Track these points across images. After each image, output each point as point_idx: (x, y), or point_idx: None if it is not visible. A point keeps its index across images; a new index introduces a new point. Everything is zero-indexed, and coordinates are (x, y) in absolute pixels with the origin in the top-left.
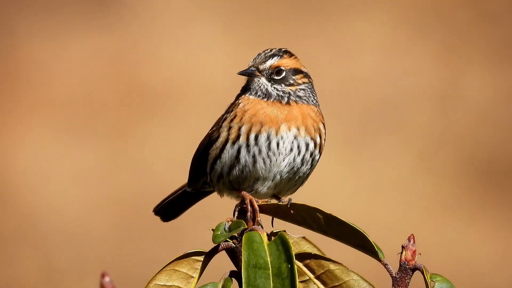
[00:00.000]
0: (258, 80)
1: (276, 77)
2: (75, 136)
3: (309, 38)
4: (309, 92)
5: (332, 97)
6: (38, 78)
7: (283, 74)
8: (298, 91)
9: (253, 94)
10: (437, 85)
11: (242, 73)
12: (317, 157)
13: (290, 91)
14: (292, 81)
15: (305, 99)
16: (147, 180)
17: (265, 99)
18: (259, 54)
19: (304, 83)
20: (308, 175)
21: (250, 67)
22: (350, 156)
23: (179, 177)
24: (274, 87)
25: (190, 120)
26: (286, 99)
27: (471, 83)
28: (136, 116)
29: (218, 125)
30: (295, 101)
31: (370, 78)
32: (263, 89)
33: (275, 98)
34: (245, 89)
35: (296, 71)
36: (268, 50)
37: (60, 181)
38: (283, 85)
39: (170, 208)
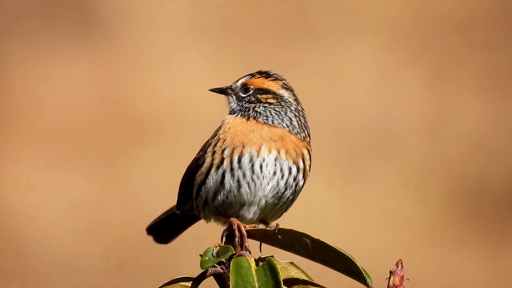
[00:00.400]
0: (229, 98)
1: (242, 95)
2: (65, 166)
3: (298, 66)
4: (279, 114)
5: (322, 125)
6: (27, 107)
7: (250, 92)
8: (258, 107)
9: (231, 113)
10: (426, 113)
11: (212, 90)
12: (300, 183)
13: (249, 106)
14: (255, 100)
15: (271, 120)
16: (138, 209)
17: (243, 118)
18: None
19: (269, 103)
20: (292, 201)
21: (228, 86)
22: (339, 184)
23: (169, 205)
24: (238, 104)
25: (180, 149)
26: (246, 113)
27: (461, 111)
28: (126, 145)
29: (203, 150)
30: (254, 117)
31: (360, 106)
32: (232, 106)
33: (238, 113)
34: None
35: (266, 91)
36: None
37: (49, 211)
38: (244, 102)
39: (162, 229)
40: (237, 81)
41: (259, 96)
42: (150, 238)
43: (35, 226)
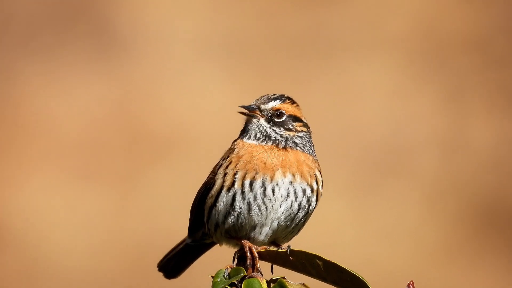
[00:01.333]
0: (258, 121)
1: (276, 120)
2: (80, 183)
3: (312, 83)
4: (306, 141)
5: (336, 142)
6: (40, 125)
7: (284, 118)
8: (295, 138)
9: (249, 137)
10: (441, 130)
11: (244, 107)
12: (313, 204)
13: (288, 135)
14: (291, 127)
15: (300, 147)
16: (153, 225)
17: (262, 143)
18: (262, 96)
19: (302, 131)
20: (303, 223)
21: (252, 105)
22: (353, 201)
23: (185, 222)
24: (273, 129)
25: (195, 165)
26: (283, 143)
27: (475, 128)
28: (142, 161)
29: (214, 172)
30: (291, 147)
31: (374, 123)
32: (262, 131)
33: (273, 142)
34: (243, 132)
35: (296, 119)
36: (271, 94)
37: (65, 228)
38: (281, 129)
39: (173, 264)
40: (264, 102)
41: (293, 123)
42: (161, 274)
43: (50, 242)
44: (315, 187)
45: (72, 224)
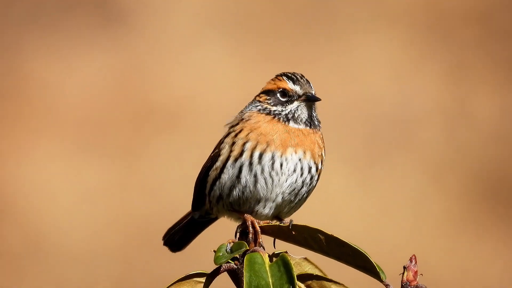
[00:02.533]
0: (313, 107)
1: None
2: (83, 156)
3: (317, 59)
4: (316, 116)
5: (341, 117)
6: (44, 97)
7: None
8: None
9: (287, 119)
10: (445, 104)
11: (316, 97)
12: (314, 182)
13: (317, 117)
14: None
15: (318, 126)
16: (156, 198)
17: (287, 122)
18: (304, 79)
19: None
20: (306, 198)
21: (313, 92)
22: (358, 176)
23: (187, 196)
24: (315, 113)
25: (198, 138)
26: (315, 124)
27: (479, 102)
28: (144, 134)
29: (219, 145)
30: (315, 127)
31: (379, 97)
32: (312, 116)
33: (310, 125)
34: (266, 110)
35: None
36: (303, 77)
37: (67, 200)
38: (314, 112)
39: (178, 237)
40: (311, 88)
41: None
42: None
43: (54, 215)
44: (319, 167)
45: (75, 198)
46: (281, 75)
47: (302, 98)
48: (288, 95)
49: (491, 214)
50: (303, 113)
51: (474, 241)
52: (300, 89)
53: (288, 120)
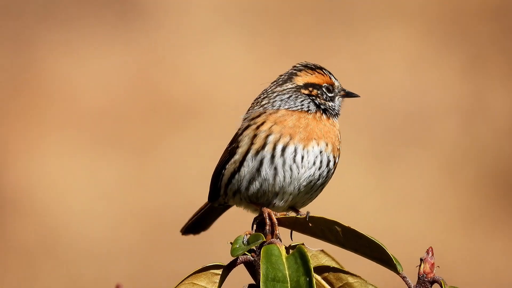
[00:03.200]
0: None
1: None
2: (100, 150)
3: (335, 52)
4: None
5: (359, 111)
6: (61, 92)
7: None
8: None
9: (335, 113)
10: (462, 98)
11: (357, 95)
12: (330, 175)
13: (339, 108)
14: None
15: (334, 114)
16: (172, 193)
17: (311, 111)
18: (328, 71)
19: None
20: (321, 189)
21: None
22: (375, 170)
23: (203, 190)
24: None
25: (214, 133)
26: (334, 115)
27: (496, 96)
28: (160, 129)
29: (236, 138)
30: (334, 119)
31: (396, 92)
32: (337, 107)
33: (332, 115)
34: (297, 103)
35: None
36: (325, 68)
37: (84, 195)
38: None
39: (199, 224)
40: (336, 79)
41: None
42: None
43: (69, 211)
44: (337, 160)
45: (91, 192)
46: (318, 67)
47: (341, 94)
48: (333, 90)
49: (506, 209)
50: (338, 107)
51: (489, 235)
52: (339, 84)
53: (333, 115)
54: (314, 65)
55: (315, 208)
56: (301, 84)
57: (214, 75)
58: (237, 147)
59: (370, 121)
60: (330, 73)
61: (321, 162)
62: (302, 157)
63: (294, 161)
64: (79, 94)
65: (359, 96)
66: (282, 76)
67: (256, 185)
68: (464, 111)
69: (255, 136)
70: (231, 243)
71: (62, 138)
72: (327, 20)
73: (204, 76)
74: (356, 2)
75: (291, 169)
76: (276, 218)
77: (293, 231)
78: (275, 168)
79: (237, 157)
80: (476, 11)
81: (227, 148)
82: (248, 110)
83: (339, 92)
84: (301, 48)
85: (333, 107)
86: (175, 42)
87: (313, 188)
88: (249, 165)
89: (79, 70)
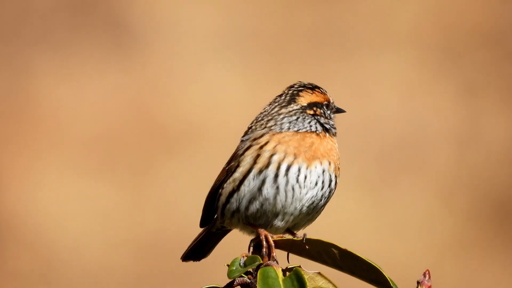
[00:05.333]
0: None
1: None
2: (95, 175)
3: (328, 77)
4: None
5: (352, 136)
6: (55, 117)
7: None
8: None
9: (334, 133)
10: (456, 124)
11: (344, 111)
12: (332, 194)
13: (329, 122)
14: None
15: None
16: (167, 218)
17: (319, 132)
18: (322, 88)
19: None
20: (321, 211)
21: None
22: (368, 195)
23: (199, 214)
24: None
25: (208, 158)
26: (333, 133)
27: (490, 122)
28: (155, 154)
29: (236, 157)
30: (333, 136)
31: (389, 118)
32: (332, 124)
33: (330, 133)
34: (291, 124)
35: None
36: (319, 86)
37: (78, 220)
38: (329, 118)
39: (199, 250)
40: (330, 97)
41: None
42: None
43: (64, 235)
44: (337, 180)
45: (87, 218)
46: (315, 86)
47: (334, 110)
48: (330, 107)
49: (501, 237)
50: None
51: (483, 262)
52: (333, 101)
53: (329, 131)
54: (310, 84)
55: (309, 230)
56: (305, 104)
57: (208, 100)
58: (238, 166)
59: (363, 147)
60: (325, 90)
61: (323, 182)
62: (305, 177)
63: (297, 181)
64: (74, 119)
65: (345, 111)
66: (283, 97)
67: (256, 204)
68: (458, 138)
69: (258, 156)
70: (227, 265)
71: (56, 163)
72: (321, 46)
73: (198, 101)
74: (350, 28)
75: (293, 189)
76: (273, 240)
77: (289, 254)
78: (277, 188)
79: (237, 175)
80: (470, 37)
81: (224, 168)
82: (247, 131)
83: (332, 108)
84: (294, 74)
85: (334, 125)
86: (169, 67)
87: (315, 209)
88: (250, 184)
89: (74, 95)
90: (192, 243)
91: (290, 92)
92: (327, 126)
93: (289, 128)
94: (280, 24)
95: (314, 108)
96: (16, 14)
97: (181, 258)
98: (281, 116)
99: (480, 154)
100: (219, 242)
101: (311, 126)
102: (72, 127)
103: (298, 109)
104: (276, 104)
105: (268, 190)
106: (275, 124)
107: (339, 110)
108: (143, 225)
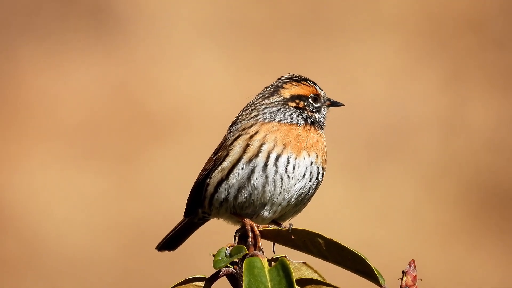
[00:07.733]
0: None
1: (316, 105)
2: (79, 163)
3: (314, 65)
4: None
5: (337, 123)
6: (40, 105)
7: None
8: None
9: (321, 126)
10: (441, 112)
11: (342, 104)
12: (319, 185)
13: (315, 115)
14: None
15: (321, 125)
16: (152, 205)
17: (300, 125)
18: (313, 81)
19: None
20: (307, 202)
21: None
22: (354, 183)
23: (183, 202)
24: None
25: (194, 145)
26: (321, 125)
27: (475, 109)
28: (141, 142)
29: (225, 146)
30: (321, 129)
31: (375, 105)
32: (323, 118)
33: (318, 126)
34: (282, 115)
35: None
36: (308, 78)
37: (64, 208)
38: (315, 111)
39: (176, 240)
40: (321, 89)
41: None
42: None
43: (50, 222)
44: (324, 172)
45: (72, 205)
46: (303, 79)
47: (327, 103)
48: (319, 101)
49: (486, 223)
50: (324, 118)
51: (468, 248)
52: (325, 94)
53: (314, 124)
54: (298, 76)
55: (294, 221)
56: (288, 96)
57: (194, 88)
58: (227, 155)
59: (349, 134)
60: (315, 83)
61: (311, 173)
62: (294, 167)
63: (286, 171)
64: (60, 107)
65: (344, 105)
66: (268, 89)
67: (245, 194)
68: (444, 124)
69: (248, 145)
70: (213, 255)
71: (42, 151)
72: (306, 33)
73: (184, 89)
74: (335, 15)
75: (281, 179)
76: (259, 231)
77: (275, 244)
78: (266, 177)
79: (226, 164)
80: (455, 24)
81: (211, 157)
82: (235, 121)
83: (324, 102)
84: (281, 62)
85: (320, 119)
86: (155, 55)
87: (303, 201)
88: (239, 173)
89: (59, 83)
90: (170, 233)
91: (276, 83)
92: (310, 121)
93: (271, 119)
94: (266, 12)
95: (297, 101)
96: (0, 3)
97: (156, 248)
98: (263, 106)
99: (465, 140)
100: (190, 235)
101: (292, 118)
102: (57, 115)
103: (280, 100)
104: (261, 95)
105: (257, 179)
106: (258, 114)
107: (335, 104)
108: (128, 213)
